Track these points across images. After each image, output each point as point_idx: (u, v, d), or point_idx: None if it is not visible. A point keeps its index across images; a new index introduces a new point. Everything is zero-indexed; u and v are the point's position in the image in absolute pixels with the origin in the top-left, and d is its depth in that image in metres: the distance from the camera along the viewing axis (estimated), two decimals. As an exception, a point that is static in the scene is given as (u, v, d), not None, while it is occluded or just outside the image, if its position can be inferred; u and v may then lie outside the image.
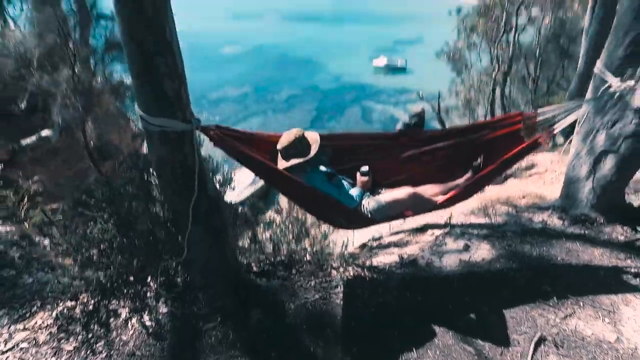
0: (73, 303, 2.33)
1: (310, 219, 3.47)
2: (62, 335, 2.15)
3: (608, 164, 2.94)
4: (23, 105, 6.73)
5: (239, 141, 2.16)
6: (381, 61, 31.05)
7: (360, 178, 2.56)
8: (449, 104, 13.99)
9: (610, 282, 2.49)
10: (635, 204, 3.22)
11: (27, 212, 4.76)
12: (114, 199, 2.42)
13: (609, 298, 2.37)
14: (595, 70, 2.90)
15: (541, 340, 2.13)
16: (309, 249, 3.08)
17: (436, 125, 12.48)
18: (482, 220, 3.39)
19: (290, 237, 3.19)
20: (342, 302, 2.40)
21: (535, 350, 2.08)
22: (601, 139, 2.95)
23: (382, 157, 2.68)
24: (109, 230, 2.29)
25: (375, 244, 3.42)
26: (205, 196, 2.22)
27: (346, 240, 3.21)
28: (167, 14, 1.76)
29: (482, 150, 2.63)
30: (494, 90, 11.46)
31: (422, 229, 3.44)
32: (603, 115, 2.94)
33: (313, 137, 2.44)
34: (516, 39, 10.95)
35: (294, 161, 2.34)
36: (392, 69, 30.50)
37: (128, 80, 8.03)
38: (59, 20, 4.98)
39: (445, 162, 2.70)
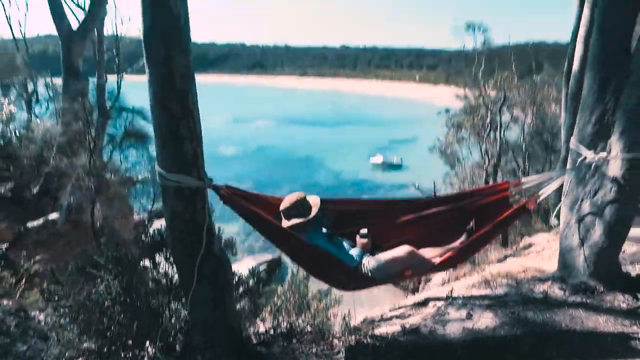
0: (67, 368, 2.26)
1: (311, 290, 3.46)
2: (52, 400, 2.06)
3: (597, 232, 3.05)
4: (35, 190, 7.05)
5: (246, 200, 2.34)
6: (378, 159, 32.87)
7: (359, 240, 2.67)
8: (445, 196, 14.44)
9: (617, 348, 2.44)
10: (633, 274, 3.26)
11: (22, 293, 4.72)
12: (121, 260, 2.51)
13: (619, 364, 2.31)
14: (571, 145, 3.21)
15: (553, 406, 2.03)
16: (309, 320, 3.03)
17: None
18: (483, 292, 3.38)
19: (291, 308, 3.15)
20: (344, 368, 2.32)
21: (548, 416, 1.98)
22: (586, 207, 3.12)
23: (381, 221, 2.83)
24: (114, 288, 2.32)
25: (377, 317, 3.36)
26: (212, 254, 2.32)
27: (347, 312, 3.17)
28: (192, 86, 2.08)
29: (474, 215, 2.80)
30: (486, 181, 11.99)
31: (424, 303, 3.40)
32: (585, 186, 3.15)
33: (314, 201, 2.62)
34: (502, 135, 11.85)
35: (295, 221, 2.49)
36: (389, 166, 32.07)
37: (134, 174, 8.53)
38: (87, 112, 5.56)
39: (441, 226, 2.84)
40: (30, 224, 6.32)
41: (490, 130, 11.97)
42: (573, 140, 3.20)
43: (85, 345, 2.29)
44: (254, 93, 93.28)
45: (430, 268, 2.58)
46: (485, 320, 2.80)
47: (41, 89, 12.06)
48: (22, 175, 7.22)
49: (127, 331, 2.33)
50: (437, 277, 5.14)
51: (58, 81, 12.50)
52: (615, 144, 2.93)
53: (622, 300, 2.92)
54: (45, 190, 7.22)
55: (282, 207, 2.56)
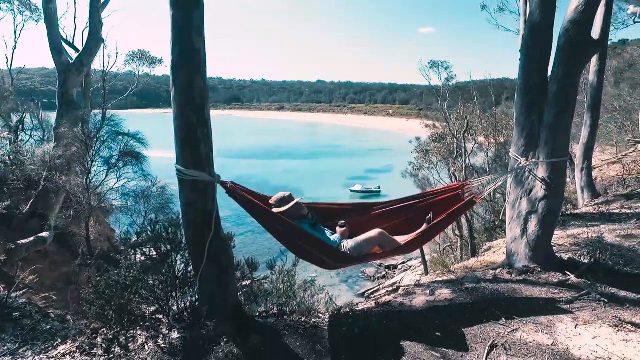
0: (94, 335, 2.65)
1: (298, 280, 3.93)
2: (85, 358, 2.45)
3: (533, 223, 3.73)
4: (25, 210, 7.29)
5: (246, 193, 2.88)
6: (357, 187, 34.15)
7: (339, 229, 3.23)
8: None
9: (547, 308, 3.05)
10: (565, 259, 3.93)
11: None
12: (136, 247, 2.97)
13: (547, 318, 2.90)
14: (510, 154, 3.94)
15: (493, 346, 2.59)
16: (298, 304, 3.49)
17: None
18: (445, 278, 3.96)
19: (281, 295, 3.61)
20: (329, 328, 2.81)
21: (489, 353, 2.53)
22: (524, 204, 3.81)
23: (356, 216, 3.41)
24: (135, 269, 2.77)
25: (355, 302, 3.85)
26: (219, 237, 2.81)
27: (330, 296, 3.67)
28: (206, 102, 2.64)
29: (432, 208, 3.41)
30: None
31: (395, 290, 3.94)
32: (522, 187, 3.85)
33: (296, 199, 3.20)
34: (467, 159, 12.84)
35: (275, 210, 3.04)
36: (367, 193, 33.23)
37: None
38: (85, 136, 6.00)
39: (405, 219, 3.43)
40: (20, 242, 6.52)
41: (456, 155, 12.98)
42: (511, 150, 3.93)
43: (109, 313, 2.68)
44: (230, 126, 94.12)
45: (397, 248, 3.15)
46: (445, 294, 3.36)
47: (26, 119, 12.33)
48: (12, 197, 7.45)
49: (145, 303, 2.76)
50: (410, 279, 5.67)
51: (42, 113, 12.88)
52: (542, 152, 3.67)
53: (554, 277, 3.56)
54: (34, 211, 7.47)
55: (270, 201, 3.13)
